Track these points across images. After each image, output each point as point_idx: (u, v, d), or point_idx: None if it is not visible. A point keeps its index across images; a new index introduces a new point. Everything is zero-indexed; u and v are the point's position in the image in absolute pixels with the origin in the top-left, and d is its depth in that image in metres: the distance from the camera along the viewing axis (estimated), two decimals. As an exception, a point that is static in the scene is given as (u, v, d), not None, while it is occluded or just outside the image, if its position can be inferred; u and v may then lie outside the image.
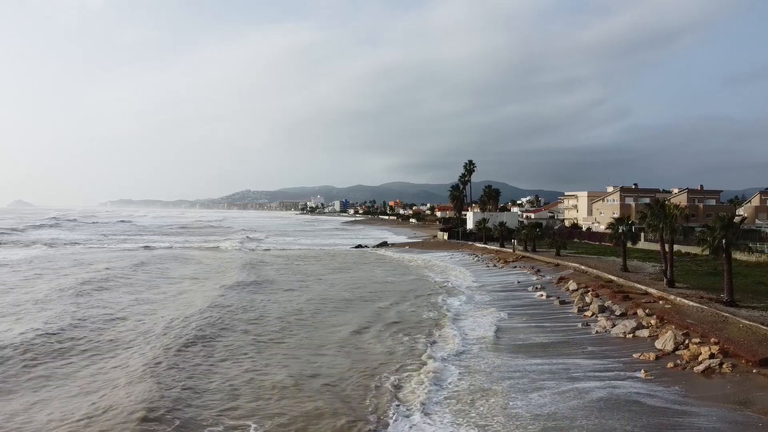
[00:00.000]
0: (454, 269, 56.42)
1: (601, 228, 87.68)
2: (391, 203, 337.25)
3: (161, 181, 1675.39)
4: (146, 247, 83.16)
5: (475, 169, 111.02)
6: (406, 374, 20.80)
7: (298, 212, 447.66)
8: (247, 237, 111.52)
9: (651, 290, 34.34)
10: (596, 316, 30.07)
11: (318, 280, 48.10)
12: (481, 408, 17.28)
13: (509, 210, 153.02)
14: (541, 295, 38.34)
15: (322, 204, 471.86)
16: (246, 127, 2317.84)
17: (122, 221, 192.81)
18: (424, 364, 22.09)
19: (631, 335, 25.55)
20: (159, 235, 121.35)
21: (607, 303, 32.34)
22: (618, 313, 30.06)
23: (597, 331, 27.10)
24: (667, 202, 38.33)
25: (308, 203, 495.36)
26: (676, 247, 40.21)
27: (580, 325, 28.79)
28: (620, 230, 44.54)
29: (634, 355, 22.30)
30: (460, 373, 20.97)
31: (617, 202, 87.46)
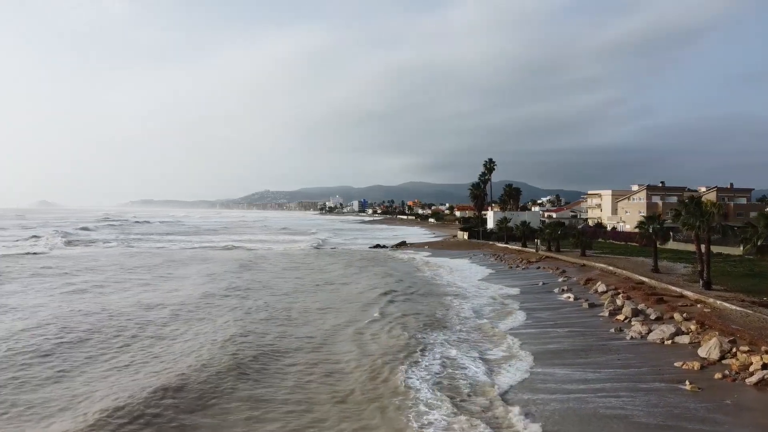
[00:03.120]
0: (475, 270, 54.71)
1: (627, 227, 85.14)
2: (410, 203, 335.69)
3: (181, 181, 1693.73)
4: (229, 247, 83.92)
5: (495, 167, 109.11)
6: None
7: (316, 212, 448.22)
8: (316, 237, 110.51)
9: (687, 293, 32.36)
10: (630, 321, 28.21)
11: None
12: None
13: (530, 209, 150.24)
14: (569, 297, 36.52)
15: (341, 204, 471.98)
16: (265, 127, 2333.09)
17: (165, 221, 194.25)
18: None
19: (669, 341, 23.70)
20: (223, 234, 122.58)
21: (641, 306, 30.41)
22: (653, 317, 28.17)
23: (632, 337, 25.28)
24: (704, 199, 36.19)
25: (327, 203, 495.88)
26: (711, 247, 38.03)
27: (612, 330, 26.97)
28: (650, 229, 42.45)
29: (676, 364, 20.49)
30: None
31: (643, 201, 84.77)
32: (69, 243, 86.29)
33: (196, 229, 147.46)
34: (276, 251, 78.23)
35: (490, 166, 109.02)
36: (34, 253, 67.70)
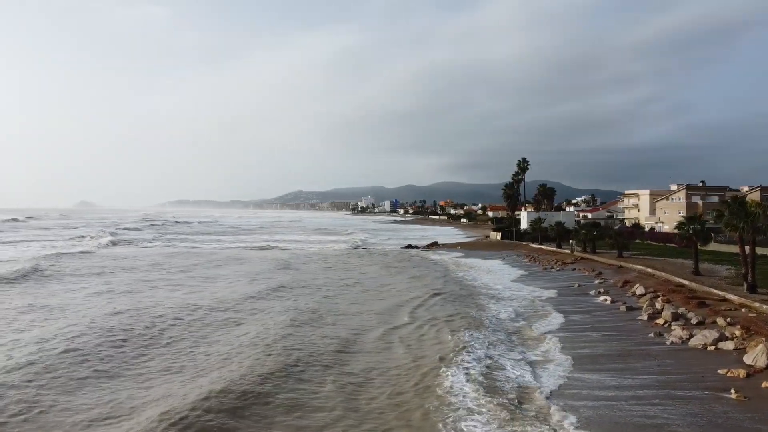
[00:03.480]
0: (509, 271, 54.07)
1: (666, 228, 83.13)
2: (442, 203, 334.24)
3: (215, 182, 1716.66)
4: (267, 247, 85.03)
5: (528, 167, 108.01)
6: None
7: (348, 212, 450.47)
8: (352, 237, 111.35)
9: (730, 296, 31.34)
10: (669, 325, 27.40)
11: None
12: None
13: (564, 210, 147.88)
14: (605, 300, 35.73)
15: (373, 204, 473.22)
16: (298, 128, 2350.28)
17: (203, 222, 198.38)
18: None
19: (713, 347, 22.92)
20: (260, 234, 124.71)
21: (681, 310, 29.51)
22: (694, 321, 27.32)
23: (672, 342, 24.55)
24: (748, 199, 35.01)
25: (359, 203, 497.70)
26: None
27: (651, 334, 26.24)
28: (691, 230, 41.24)
29: (720, 371, 19.80)
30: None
31: (683, 201, 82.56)
32: (114, 242, 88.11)
33: (233, 229, 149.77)
34: (312, 251, 78.95)
35: (523, 165, 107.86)
36: (81, 252, 69.68)
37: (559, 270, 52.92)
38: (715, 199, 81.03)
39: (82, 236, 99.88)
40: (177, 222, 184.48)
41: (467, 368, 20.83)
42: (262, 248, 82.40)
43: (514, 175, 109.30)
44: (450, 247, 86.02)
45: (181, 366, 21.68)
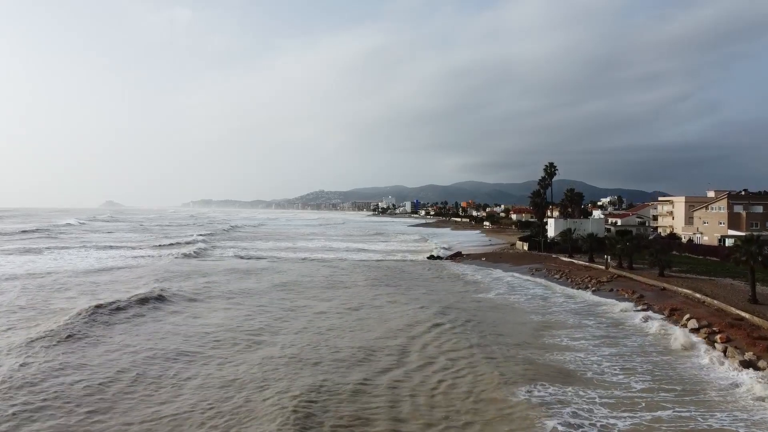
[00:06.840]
0: (540, 291, 50.30)
1: (705, 239, 78.38)
2: (464, 204, 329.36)
3: (238, 181, 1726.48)
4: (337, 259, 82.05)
5: (556, 172, 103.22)
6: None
7: (369, 213, 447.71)
8: (424, 246, 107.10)
9: (803, 337, 27.39)
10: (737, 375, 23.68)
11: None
12: None
13: (591, 213, 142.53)
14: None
15: (394, 205, 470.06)
16: (321, 129, 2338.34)
17: (250, 224, 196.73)
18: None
19: (800, 415, 19.20)
20: (320, 240, 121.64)
21: (748, 355, 25.72)
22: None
23: (747, 402, 20.86)
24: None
25: (380, 204, 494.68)
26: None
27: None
28: (751, 251, 37.14)
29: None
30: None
31: (724, 211, 77.26)
32: (188, 255, 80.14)
33: (288, 234, 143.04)
34: (396, 260, 78.48)
35: (550, 170, 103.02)
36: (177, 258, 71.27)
37: (594, 291, 48.75)
38: (759, 209, 75.83)
39: (171, 244, 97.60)
40: (230, 227, 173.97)
41: None
42: (339, 258, 79.94)
43: (540, 180, 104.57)
44: (474, 257, 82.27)
45: None
